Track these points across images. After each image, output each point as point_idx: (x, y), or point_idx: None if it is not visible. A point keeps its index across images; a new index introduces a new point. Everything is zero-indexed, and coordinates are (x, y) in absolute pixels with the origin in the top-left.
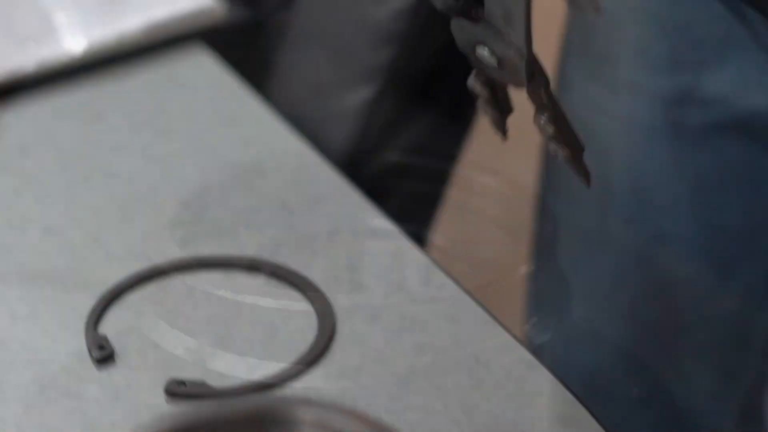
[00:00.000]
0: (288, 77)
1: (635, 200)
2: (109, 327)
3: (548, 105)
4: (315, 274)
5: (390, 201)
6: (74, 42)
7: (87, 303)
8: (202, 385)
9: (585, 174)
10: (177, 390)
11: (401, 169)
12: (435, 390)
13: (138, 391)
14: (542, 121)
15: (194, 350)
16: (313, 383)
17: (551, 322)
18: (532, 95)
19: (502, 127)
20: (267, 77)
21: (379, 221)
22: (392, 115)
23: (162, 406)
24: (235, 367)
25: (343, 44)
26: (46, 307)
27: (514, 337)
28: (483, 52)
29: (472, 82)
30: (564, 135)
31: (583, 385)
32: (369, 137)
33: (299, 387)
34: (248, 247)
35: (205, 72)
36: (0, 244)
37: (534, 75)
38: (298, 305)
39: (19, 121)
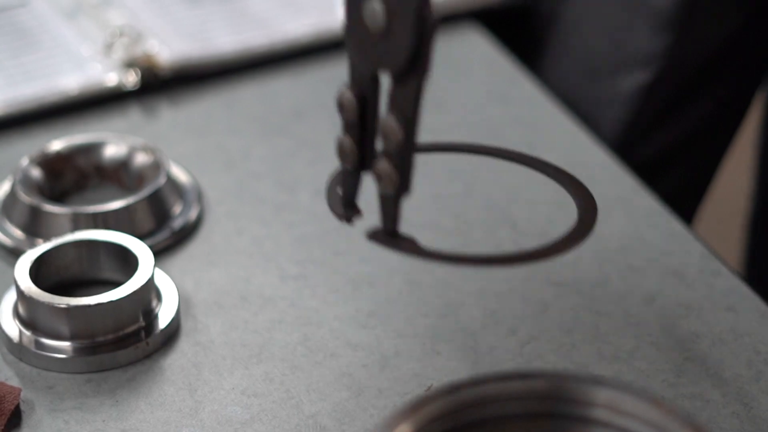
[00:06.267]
0: (561, 58)
1: None
2: None
3: (410, 107)
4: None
5: (659, 187)
6: None
7: (356, 268)
8: (411, 240)
9: (392, 219)
10: (379, 238)
11: (673, 156)
12: (712, 379)
13: (407, 358)
14: (392, 122)
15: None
16: (586, 361)
17: None
18: (400, 88)
19: (351, 196)
20: (539, 57)
21: (651, 205)
22: (667, 102)
23: (433, 370)
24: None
25: (620, 29)
26: (315, 269)
27: None
28: (374, 6)
29: (341, 96)
30: (403, 155)
31: None
32: (642, 122)
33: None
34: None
35: (479, 51)
36: (273, 204)
37: (422, 53)
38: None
39: (295, 87)
